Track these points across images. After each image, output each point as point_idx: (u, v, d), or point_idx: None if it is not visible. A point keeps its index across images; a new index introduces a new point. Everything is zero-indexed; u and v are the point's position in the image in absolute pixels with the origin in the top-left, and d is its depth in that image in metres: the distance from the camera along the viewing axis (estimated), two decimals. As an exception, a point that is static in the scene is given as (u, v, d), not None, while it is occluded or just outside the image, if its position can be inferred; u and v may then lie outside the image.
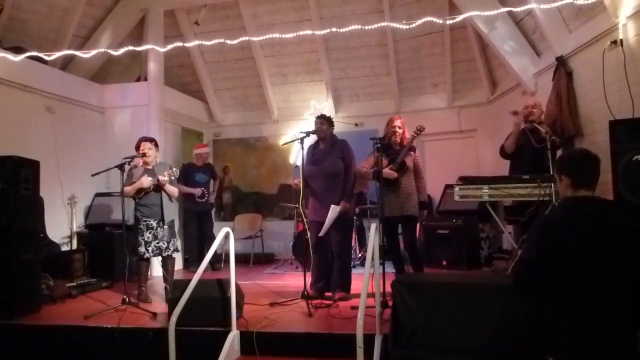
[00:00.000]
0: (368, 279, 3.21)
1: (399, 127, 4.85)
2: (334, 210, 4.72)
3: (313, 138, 5.05)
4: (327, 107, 8.42)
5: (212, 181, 7.78)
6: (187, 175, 7.29)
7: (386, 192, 4.73)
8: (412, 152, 4.86)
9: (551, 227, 2.38)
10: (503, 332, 2.98)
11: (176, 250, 5.31)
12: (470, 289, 3.18)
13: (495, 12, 5.48)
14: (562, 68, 5.29)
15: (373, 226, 3.52)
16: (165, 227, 5.16)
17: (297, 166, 8.12)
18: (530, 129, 4.63)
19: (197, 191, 7.20)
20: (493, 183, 4.39)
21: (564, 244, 2.29)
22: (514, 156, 4.84)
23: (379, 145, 4.26)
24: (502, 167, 6.20)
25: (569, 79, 5.24)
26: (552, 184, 4.09)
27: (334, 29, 5.59)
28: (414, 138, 4.78)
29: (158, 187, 5.11)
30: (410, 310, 3.22)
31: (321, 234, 4.81)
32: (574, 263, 2.27)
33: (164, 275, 5.30)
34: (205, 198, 7.32)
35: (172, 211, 5.32)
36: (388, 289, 4.04)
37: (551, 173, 4.27)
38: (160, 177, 5.03)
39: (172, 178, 5.12)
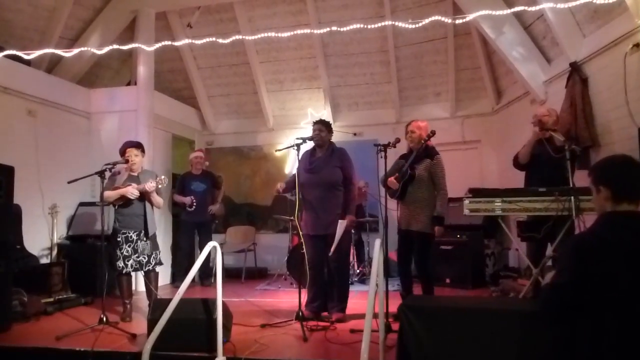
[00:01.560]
0: (373, 301, 2.83)
1: (412, 132, 4.52)
2: (341, 225, 4.38)
3: (309, 145, 4.70)
4: (324, 115, 8.10)
5: (215, 191, 7.40)
6: (183, 184, 7.01)
7: (399, 203, 4.44)
8: (428, 159, 4.46)
9: (588, 248, 2.07)
10: (526, 364, 2.61)
11: (158, 263, 4.94)
12: (488, 315, 2.79)
13: (506, 11, 5.19)
14: (577, 74, 5.00)
15: (377, 242, 3.15)
16: (147, 240, 4.80)
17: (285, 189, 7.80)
18: (546, 138, 4.29)
19: (187, 200, 6.84)
20: (506, 196, 4.04)
21: (605, 267, 1.98)
22: (528, 167, 4.49)
23: (384, 152, 3.90)
24: (508, 181, 5.90)
25: (584, 86, 4.94)
26: (572, 198, 3.76)
27: (334, 28, 5.24)
28: (423, 144, 4.43)
29: (142, 196, 4.74)
30: (418, 338, 2.83)
31: (331, 253, 4.43)
32: (617, 289, 1.96)
33: (147, 291, 4.91)
34: (194, 207, 6.92)
35: (155, 223, 4.98)
36: (391, 309, 3.72)
37: (571, 185, 3.93)
38: (148, 185, 4.65)
39: (160, 186, 4.75)
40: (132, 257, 4.74)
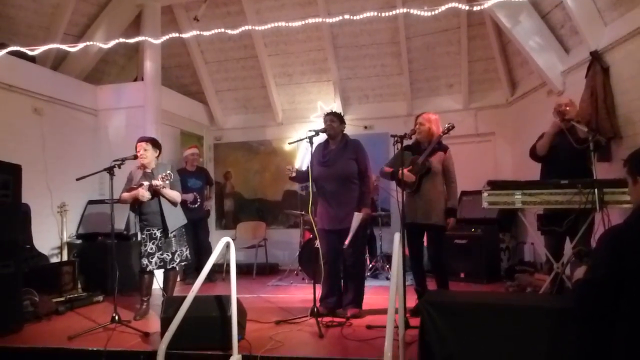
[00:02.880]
0: (394, 297, 2.73)
1: (421, 124, 4.40)
2: (357, 218, 4.28)
3: (322, 137, 4.59)
4: (334, 108, 7.91)
5: (208, 187, 7.31)
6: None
7: (408, 195, 4.30)
8: (442, 153, 4.39)
9: (624, 242, 1.98)
10: (555, 363, 2.50)
11: (184, 260, 4.84)
12: (514, 312, 2.69)
13: (523, -1, 5.04)
14: (598, 64, 4.85)
15: (397, 236, 3.04)
16: (171, 236, 4.70)
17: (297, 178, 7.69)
18: (568, 129, 4.14)
19: (189, 197, 6.74)
20: (527, 188, 3.90)
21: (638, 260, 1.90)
22: (546, 159, 4.35)
23: (401, 143, 3.79)
24: (523, 174, 5.78)
25: (605, 75, 4.79)
26: (596, 190, 3.63)
27: (346, 16, 5.11)
28: (440, 137, 4.35)
29: (155, 193, 4.64)
30: (442, 335, 2.73)
31: (345, 246, 4.34)
32: None
33: (162, 289, 4.83)
34: (198, 204, 6.82)
35: (178, 218, 4.84)
36: (408, 304, 3.62)
37: (594, 177, 3.80)
38: (154, 182, 4.56)
39: (167, 182, 4.65)
40: (156, 254, 4.65)
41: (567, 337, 2.47)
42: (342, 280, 4.59)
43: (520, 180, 4.46)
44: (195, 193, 6.80)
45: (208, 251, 6.46)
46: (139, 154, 4.71)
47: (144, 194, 4.58)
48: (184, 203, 6.75)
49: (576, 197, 3.72)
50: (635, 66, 4.44)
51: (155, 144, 4.86)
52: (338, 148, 4.55)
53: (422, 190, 4.31)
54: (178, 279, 6.80)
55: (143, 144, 4.75)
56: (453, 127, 4.32)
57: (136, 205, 4.70)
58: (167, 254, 4.68)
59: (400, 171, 3.92)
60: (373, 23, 7.20)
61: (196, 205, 6.81)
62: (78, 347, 3.69)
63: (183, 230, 4.90)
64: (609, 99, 4.72)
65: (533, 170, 4.68)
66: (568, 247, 4.13)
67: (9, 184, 4.34)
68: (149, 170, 4.77)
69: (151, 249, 4.65)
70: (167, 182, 4.63)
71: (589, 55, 4.96)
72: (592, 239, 3.88)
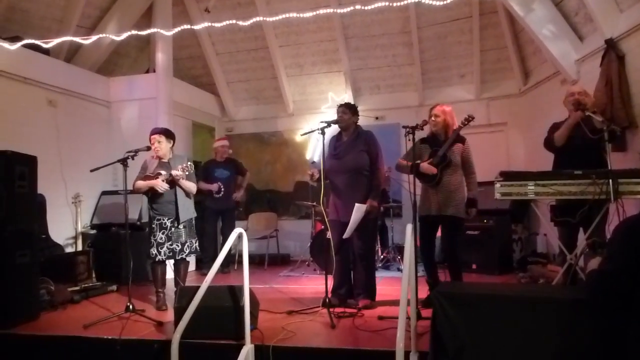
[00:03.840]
0: (407, 288, 2.73)
1: (437, 116, 4.37)
2: (359, 210, 4.26)
3: (335, 129, 4.58)
4: (345, 99, 7.96)
5: (239, 177, 7.32)
6: (207, 171, 6.96)
7: (426, 188, 4.31)
8: (460, 144, 4.36)
9: (637, 231, 1.98)
10: (569, 355, 2.48)
11: (193, 252, 4.84)
12: (527, 303, 2.67)
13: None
14: (613, 52, 4.79)
15: (409, 227, 3.04)
16: (181, 227, 4.71)
17: (314, 162, 7.71)
18: (582, 119, 4.09)
19: (214, 187, 6.78)
20: (540, 179, 3.86)
21: None
22: (560, 149, 4.29)
23: (412, 134, 3.77)
24: (535, 164, 5.72)
25: (620, 64, 4.74)
26: (610, 180, 3.58)
27: (357, 7, 5.08)
28: (460, 129, 4.32)
29: (172, 183, 4.66)
30: (454, 326, 2.73)
31: (345, 235, 4.35)
32: None
33: (175, 279, 4.86)
34: (222, 194, 6.86)
35: (189, 209, 4.86)
36: (419, 295, 3.63)
37: (609, 167, 3.76)
38: (174, 172, 4.57)
39: (187, 173, 4.65)
40: (166, 244, 4.65)
41: (580, 328, 2.46)
42: (351, 271, 4.59)
43: (533, 170, 4.42)
44: (219, 183, 6.83)
45: (229, 243, 6.51)
46: (153, 147, 4.72)
47: (162, 185, 4.59)
48: (209, 193, 6.82)
49: (590, 188, 3.67)
50: (652, 54, 4.38)
51: (168, 134, 4.85)
52: (350, 140, 4.54)
53: (442, 183, 4.29)
54: (194, 268, 6.92)
55: (156, 136, 4.75)
56: (472, 118, 4.29)
57: (149, 194, 4.71)
58: (177, 245, 4.68)
59: (413, 164, 3.91)
60: (384, 13, 7.14)
61: (220, 195, 6.84)
62: (93, 336, 3.74)
63: (193, 222, 4.90)
64: (624, 87, 4.66)
65: (546, 161, 4.63)
66: (581, 238, 4.09)
67: (25, 175, 4.40)
68: (165, 160, 4.77)
69: (161, 238, 4.65)
70: (187, 173, 4.64)
71: (604, 43, 4.90)
72: (606, 230, 3.84)
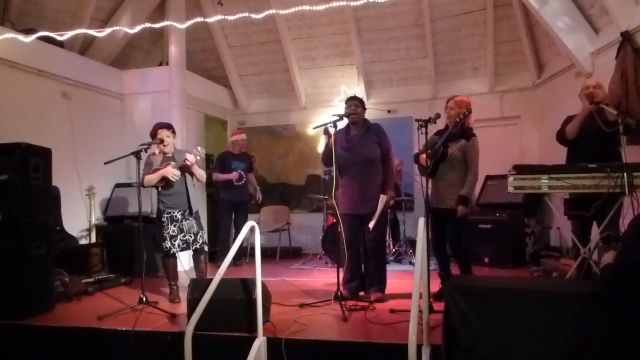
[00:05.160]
0: (419, 282, 2.73)
1: (451, 108, 4.33)
2: (382, 200, 4.33)
3: (342, 123, 4.58)
4: (358, 92, 7.91)
5: (250, 174, 7.30)
6: (223, 163, 6.94)
7: (432, 180, 4.30)
8: (464, 140, 4.30)
9: None
10: (583, 349, 2.47)
11: (205, 243, 4.87)
12: (540, 297, 2.65)
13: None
14: (628, 44, 4.72)
15: (421, 220, 3.03)
16: (192, 218, 4.74)
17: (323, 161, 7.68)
18: (596, 111, 4.04)
19: (234, 175, 6.78)
20: (554, 172, 3.82)
21: None
22: (574, 142, 4.25)
23: (425, 127, 3.75)
24: (550, 157, 5.67)
25: (636, 56, 4.67)
26: (625, 174, 3.54)
27: (370, -1, 5.06)
28: (458, 123, 4.27)
29: (183, 170, 4.68)
30: (467, 320, 2.71)
31: (371, 228, 4.38)
32: None
33: (196, 272, 4.87)
34: (243, 181, 6.89)
35: (198, 200, 4.89)
36: (431, 289, 3.62)
37: (624, 161, 3.71)
38: (188, 156, 4.59)
39: (199, 158, 4.68)
40: (179, 236, 4.68)
41: (594, 322, 2.43)
42: (362, 264, 4.60)
43: (547, 164, 4.37)
44: (240, 171, 6.86)
45: (239, 235, 6.53)
46: (163, 140, 4.73)
47: (174, 172, 4.60)
48: (227, 183, 6.83)
49: (604, 181, 3.62)
50: (669, 47, 4.31)
51: (174, 130, 4.89)
52: (361, 133, 4.53)
53: (439, 176, 4.30)
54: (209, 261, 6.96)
55: (165, 130, 4.77)
56: (467, 113, 4.24)
57: (159, 187, 4.71)
58: (190, 235, 4.70)
59: (416, 153, 3.91)
60: (397, 5, 7.10)
61: (242, 182, 6.87)
62: (107, 327, 3.78)
63: (199, 213, 4.93)
64: (639, 80, 4.59)
65: (560, 154, 4.57)
66: (595, 232, 4.06)
67: (40, 167, 4.43)
68: (169, 155, 4.79)
69: (173, 231, 4.67)
70: (198, 158, 4.67)
71: (620, 36, 4.83)
72: (620, 224, 3.80)
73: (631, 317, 2.09)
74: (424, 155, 4.18)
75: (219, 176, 6.81)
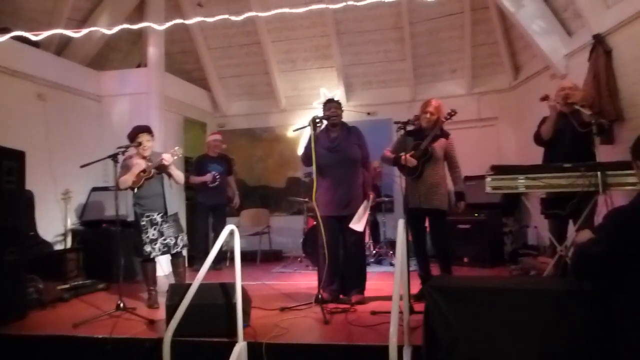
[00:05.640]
0: (399, 283, 2.73)
1: (432, 113, 4.40)
2: (366, 204, 4.37)
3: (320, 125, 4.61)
4: (338, 94, 7.95)
5: (229, 177, 7.25)
6: (200, 166, 6.87)
7: (409, 181, 4.34)
8: (444, 139, 4.41)
9: (629, 222, 2.06)
10: (560, 345, 2.50)
11: (185, 246, 4.81)
12: (518, 295, 2.69)
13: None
14: (600, 47, 4.83)
15: (401, 222, 3.04)
16: (172, 221, 4.68)
17: (303, 161, 7.68)
18: (571, 112, 4.12)
19: (208, 177, 6.72)
20: (530, 172, 3.87)
21: None
22: (550, 143, 4.33)
23: (404, 130, 3.78)
24: (526, 158, 5.76)
25: (607, 58, 4.77)
26: (599, 173, 3.61)
27: (350, 2, 5.07)
28: (442, 123, 4.37)
29: (160, 171, 4.62)
30: (447, 320, 2.73)
31: (355, 227, 4.40)
32: None
33: (175, 277, 4.82)
34: (217, 182, 6.82)
35: (175, 202, 4.83)
36: (411, 290, 3.63)
37: (597, 160, 3.78)
38: (165, 156, 4.53)
39: (176, 157, 4.63)
40: (159, 240, 4.60)
41: (571, 319, 2.49)
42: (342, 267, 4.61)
43: (524, 164, 4.44)
44: (214, 172, 6.78)
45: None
46: (143, 145, 4.65)
47: (169, 158, 4.55)
48: (202, 185, 6.77)
49: (579, 180, 3.69)
50: (638, 49, 4.42)
51: (152, 133, 4.83)
52: (343, 135, 4.56)
53: (424, 176, 4.33)
54: (187, 266, 6.88)
55: (146, 134, 4.69)
56: (455, 113, 4.34)
57: (135, 189, 4.62)
58: (171, 239, 4.64)
59: (403, 156, 3.93)
60: (377, 9, 7.11)
61: (216, 184, 6.80)
62: (83, 335, 3.69)
63: (178, 215, 4.88)
64: (611, 81, 4.71)
65: (536, 155, 4.66)
66: (571, 230, 4.13)
67: (13, 170, 4.34)
68: (147, 157, 4.71)
69: (153, 234, 4.60)
70: (175, 157, 4.62)
71: (592, 39, 4.94)
72: (595, 221, 3.87)
73: (608, 314, 2.14)
74: (407, 156, 4.21)
75: (194, 179, 6.74)
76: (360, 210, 4.39)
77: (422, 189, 4.32)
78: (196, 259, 6.66)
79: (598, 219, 3.77)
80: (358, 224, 4.38)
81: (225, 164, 7.08)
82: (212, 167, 6.88)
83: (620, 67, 4.71)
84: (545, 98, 4.27)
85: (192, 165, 7.17)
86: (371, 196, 4.49)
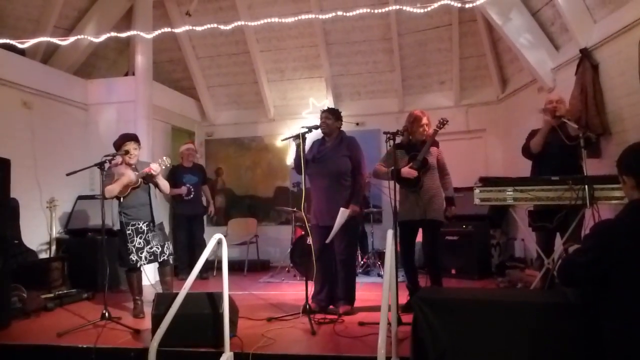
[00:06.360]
0: (388, 294, 2.73)
1: (428, 125, 4.44)
2: (343, 214, 4.28)
3: (318, 134, 4.59)
4: (326, 105, 7.93)
5: (204, 187, 7.27)
6: (174, 176, 6.81)
7: (406, 193, 4.33)
8: (435, 148, 4.46)
9: (612, 233, 2.10)
10: (548, 357, 2.52)
11: (172, 253, 4.78)
12: (506, 308, 2.69)
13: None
14: (587, 61, 4.88)
15: (389, 233, 3.04)
16: (157, 229, 4.65)
17: (294, 167, 7.68)
18: (559, 125, 4.16)
19: (182, 190, 6.72)
20: (518, 185, 3.90)
21: (625, 252, 2.01)
22: (538, 156, 4.37)
23: (393, 140, 3.79)
24: (514, 170, 5.79)
25: (594, 72, 4.83)
26: (586, 186, 3.65)
27: (339, 13, 5.10)
28: (435, 133, 4.39)
29: (147, 180, 4.60)
30: (435, 332, 2.72)
31: (328, 240, 4.35)
32: (636, 275, 1.99)
33: (162, 285, 4.78)
34: (192, 196, 6.82)
35: (160, 212, 4.82)
36: (400, 301, 3.63)
37: (584, 173, 3.82)
38: (153, 165, 4.51)
39: (163, 167, 4.61)
40: (145, 249, 4.57)
41: (558, 331, 2.49)
42: (331, 277, 4.58)
43: (512, 176, 4.47)
44: (188, 185, 6.78)
45: (202, 248, 6.42)
46: (130, 154, 4.63)
47: (132, 173, 4.53)
48: (178, 196, 6.74)
49: (567, 194, 3.72)
50: (624, 63, 4.47)
51: (139, 142, 4.81)
52: (333, 145, 4.55)
53: (425, 187, 4.34)
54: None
55: (133, 143, 4.68)
56: (447, 121, 4.37)
57: (121, 198, 4.58)
58: (157, 247, 4.62)
59: (393, 169, 3.94)
60: (365, 20, 7.19)
61: (191, 197, 6.79)
62: (67, 344, 3.66)
63: (163, 225, 4.86)
64: (598, 95, 4.76)
65: (523, 166, 4.71)
66: (558, 243, 4.16)
67: (-2, 178, 4.29)
68: (133, 167, 4.69)
69: (139, 243, 4.56)
70: (163, 167, 4.61)
71: (579, 53, 5.00)
72: (582, 234, 3.90)
73: (595, 326, 2.16)
74: (407, 169, 4.21)
75: (171, 191, 6.73)
76: (336, 222, 4.31)
77: (423, 201, 4.31)
78: (180, 269, 6.61)
79: (585, 232, 3.80)
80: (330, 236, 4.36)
81: (199, 174, 7.09)
82: (187, 178, 6.86)
83: (607, 81, 4.77)
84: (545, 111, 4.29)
85: (167, 176, 7.12)
86: (350, 208, 4.35)
